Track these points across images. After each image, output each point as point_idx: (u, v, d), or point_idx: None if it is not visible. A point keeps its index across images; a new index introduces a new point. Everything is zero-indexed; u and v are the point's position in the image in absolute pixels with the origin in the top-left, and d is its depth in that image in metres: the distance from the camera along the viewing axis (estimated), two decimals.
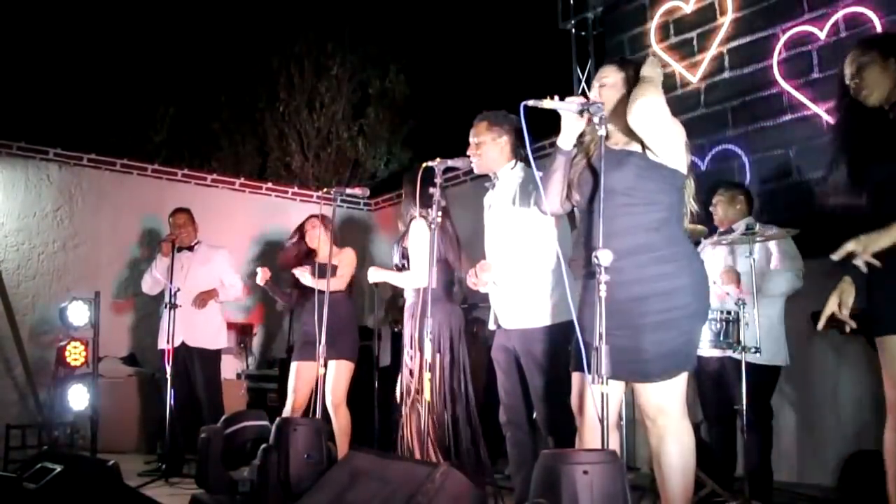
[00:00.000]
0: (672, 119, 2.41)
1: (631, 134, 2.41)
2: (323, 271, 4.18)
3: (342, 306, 4.36)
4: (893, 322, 2.26)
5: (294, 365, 4.47)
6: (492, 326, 3.20)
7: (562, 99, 2.38)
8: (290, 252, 4.66)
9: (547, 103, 2.36)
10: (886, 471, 2.32)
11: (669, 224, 2.40)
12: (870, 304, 2.33)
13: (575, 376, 2.45)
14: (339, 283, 4.41)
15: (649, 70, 2.42)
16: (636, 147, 2.41)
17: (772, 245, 3.85)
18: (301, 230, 4.66)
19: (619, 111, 2.42)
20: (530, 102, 2.34)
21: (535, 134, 3.22)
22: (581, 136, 2.52)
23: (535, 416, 3.11)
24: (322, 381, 3.78)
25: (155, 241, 5.92)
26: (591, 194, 2.46)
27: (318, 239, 4.55)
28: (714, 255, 3.98)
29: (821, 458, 4.25)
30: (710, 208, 4.04)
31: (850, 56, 2.41)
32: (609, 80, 2.49)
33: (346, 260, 4.53)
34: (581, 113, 2.39)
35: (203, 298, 5.04)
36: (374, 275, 3.85)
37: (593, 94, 2.50)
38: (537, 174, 2.54)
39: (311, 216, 4.68)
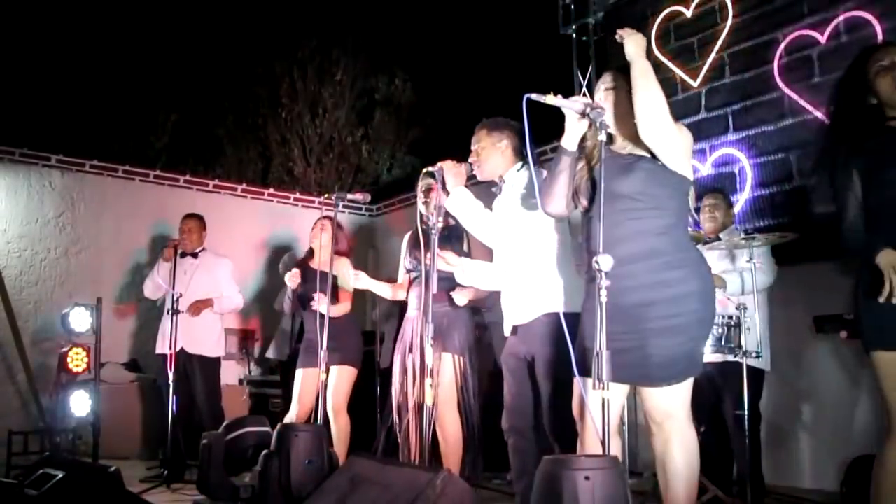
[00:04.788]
0: (678, 126, 2.40)
1: (637, 139, 2.41)
2: (321, 278, 4.21)
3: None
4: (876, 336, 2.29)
5: (299, 372, 4.46)
6: (507, 333, 3.18)
7: (565, 97, 2.37)
8: (299, 264, 4.68)
9: (550, 99, 2.34)
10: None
11: (677, 229, 2.40)
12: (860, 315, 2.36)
13: (576, 381, 2.44)
14: (344, 307, 4.39)
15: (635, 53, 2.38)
16: (644, 152, 2.41)
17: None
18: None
19: (624, 116, 2.42)
20: (533, 96, 2.33)
21: (537, 139, 3.23)
22: (583, 140, 2.52)
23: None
24: (323, 386, 3.77)
25: (157, 247, 5.93)
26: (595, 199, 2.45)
27: (320, 242, 4.52)
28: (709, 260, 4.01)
29: (824, 462, 4.24)
30: (702, 214, 4.06)
31: (891, 49, 2.43)
32: (614, 85, 2.49)
33: (344, 274, 4.38)
34: (584, 113, 2.37)
35: (198, 307, 5.03)
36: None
37: (598, 98, 2.49)
38: (535, 174, 2.54)
39: (324, 217, 4.64)
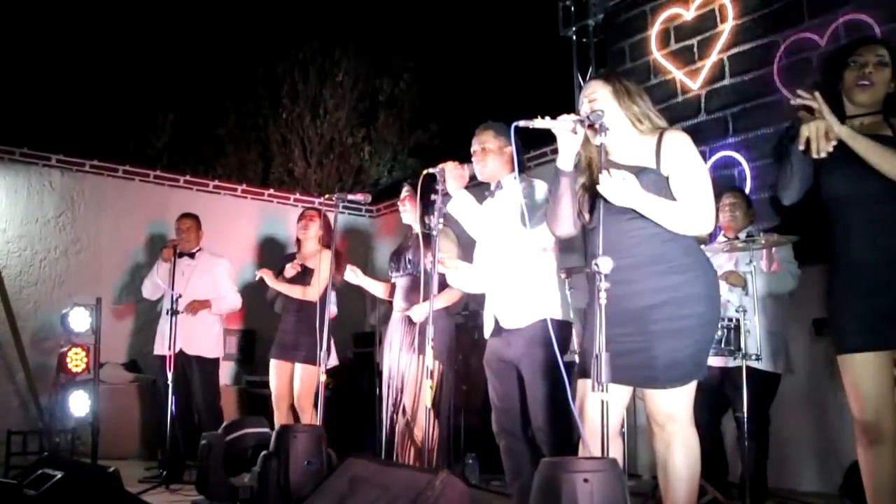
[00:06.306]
0: (675, 133, 2.40)
1: (632, 148, 2.40)
2: (306, 272, 4.40)
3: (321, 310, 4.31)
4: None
5: (272, 363, 4.57)
6: (487, 335, 3.18)
7: (553, 118, 2.34)
8: (286, 260, 4.72)
9: (538, 122, 2.32)
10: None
11: (685, 234, 2.40)
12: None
13: (579, 383, 2.44)
14: (312, 291, 4.41)
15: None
16: (648, 163, 2.37)
17: (773, 249, 3.88)
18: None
19: (612, 126, 2.36)
20: (521, 122, 2.32)
21: (536, 140, 3.23)
22: (577, 157, 2.49)
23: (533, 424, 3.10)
24: (325, 386, 3.77)
25: (157, 247, 5.92)
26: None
27: (308, 234, 4.57)
28: (716, 262, 3.97)
29: (824, 465, 4.24)
30: (721, 214, 4.01)
31: (875, 46, 2.46)
32: (597, 95, 2.45)
33: (322, 263, 4.38)
34: (574, 130, 2.35)
35: (195, 306, 5.01)
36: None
37: (584, 110, 2.45)
38: (523, 197, 2.53)
39: (311, 209, 4.69)
